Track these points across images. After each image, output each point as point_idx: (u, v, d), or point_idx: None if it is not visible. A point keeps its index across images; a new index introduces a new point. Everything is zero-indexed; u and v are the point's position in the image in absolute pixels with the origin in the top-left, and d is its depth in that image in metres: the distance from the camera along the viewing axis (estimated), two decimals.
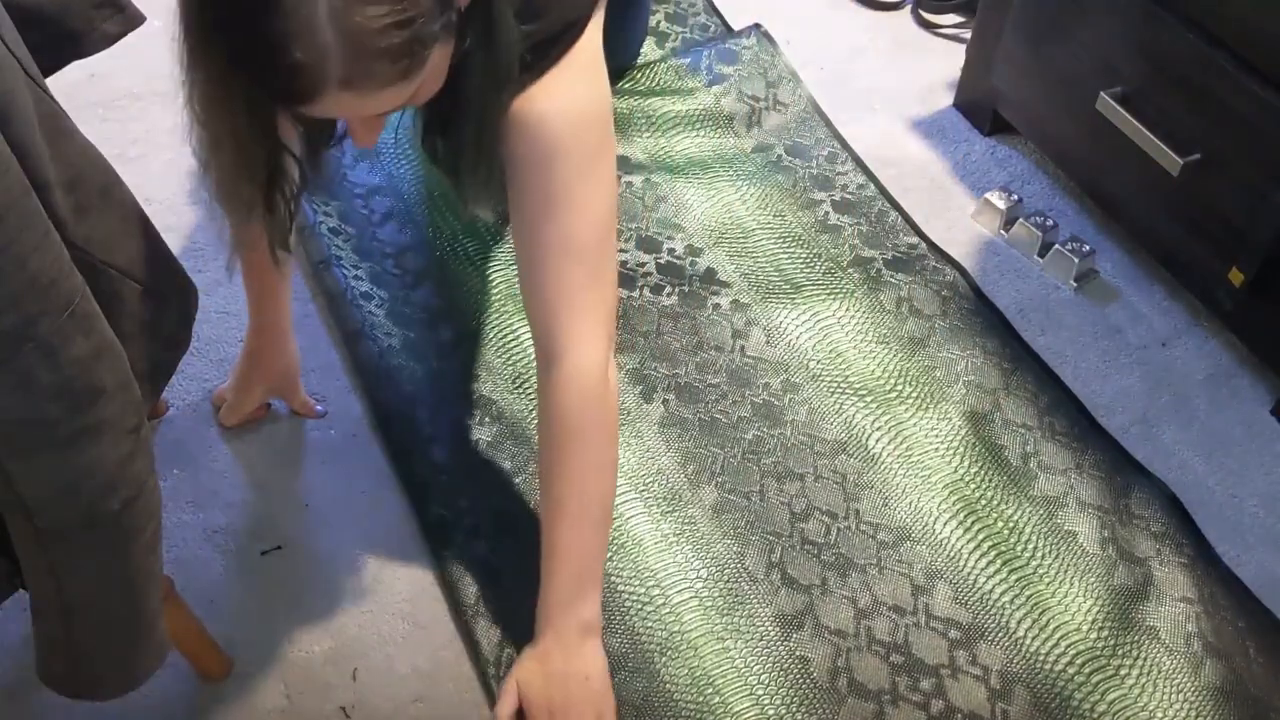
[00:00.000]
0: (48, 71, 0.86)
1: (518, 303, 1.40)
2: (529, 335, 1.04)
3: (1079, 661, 1.13)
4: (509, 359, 1.36)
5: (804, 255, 1.51)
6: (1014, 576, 1.20)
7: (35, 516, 0.75)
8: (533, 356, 1.05)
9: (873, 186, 1.62)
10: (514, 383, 1.34)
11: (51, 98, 0.77)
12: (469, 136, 0.91)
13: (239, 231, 1.10)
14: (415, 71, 0.77)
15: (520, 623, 1.11)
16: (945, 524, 1.24)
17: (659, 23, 1.84)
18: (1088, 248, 1.51)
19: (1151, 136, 1.35)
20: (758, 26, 1.80)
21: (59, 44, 0.90)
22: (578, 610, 1.03)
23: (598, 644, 1.05)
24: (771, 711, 1.09)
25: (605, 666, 1.05)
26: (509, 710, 1.03)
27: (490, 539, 1.20)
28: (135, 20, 0.95)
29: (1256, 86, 1.23)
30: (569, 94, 0.93)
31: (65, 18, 0.90)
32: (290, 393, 1.31)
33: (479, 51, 0.85)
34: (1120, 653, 1.14)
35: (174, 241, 0.95)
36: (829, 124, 1.70)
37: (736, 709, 1.09)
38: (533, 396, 1.31)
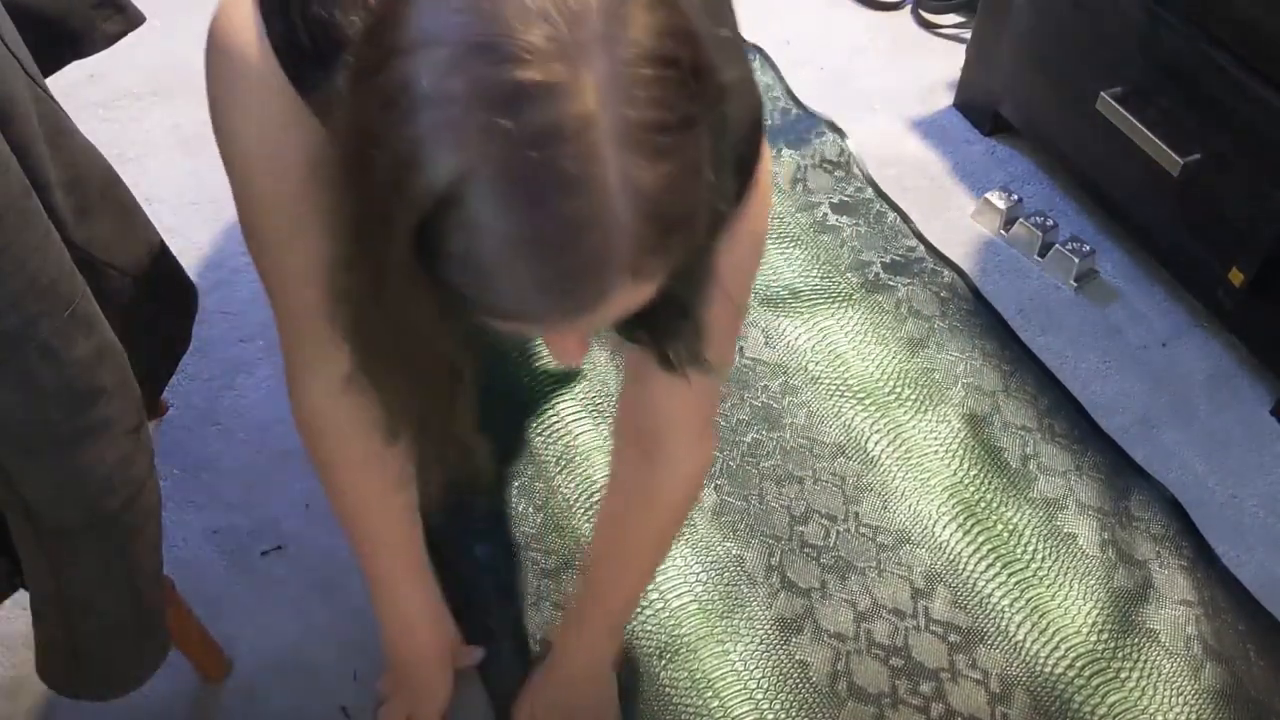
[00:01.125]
0: (48, 71, 0.86)
1: None
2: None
3: (1079, 664, 1.13)
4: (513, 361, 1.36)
5: (802, 257, 1.51)
6: (1013, 580, 1.19)
7: (36, 516, 0.75)
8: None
9: (871, 189, 1.62)
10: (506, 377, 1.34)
11: (51, 98, 0.77)
12: (688, 306, 0.69)
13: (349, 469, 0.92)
14: (695, 239, 0.57)
15: (518, 621, 1.11)
16: (944, 527, 1.24)
17: None
18: (1088, 248, 1.51)
19: (1151, 136, 1.35)
20: (759, 50, 1.81)
21: (59, 44, 0.90)
22: (608, 648, 1.05)
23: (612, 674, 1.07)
24: (770, 715, 1.09)
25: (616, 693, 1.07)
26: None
27: (488, 541, 1.20)
28: (135, 20, 0.95)
29: (1256, 86, 1.23)
30: (763, 208, 0.78)
31: (65, 18, 0.90)
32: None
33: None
34: (1120, 655, 1.14)
35: (174, 241, 0.94)
36: (834, 126, 1.70)
37: (736, 712, 1.09)
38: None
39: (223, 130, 0.73)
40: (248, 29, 0.67)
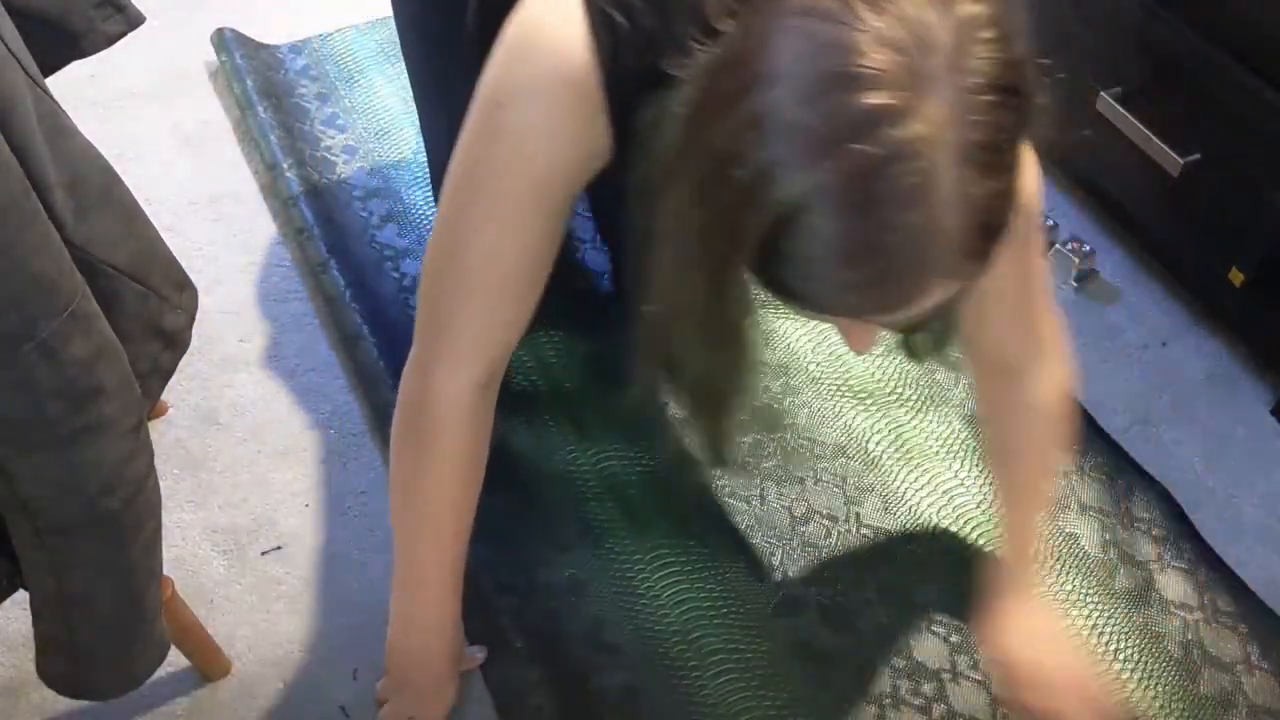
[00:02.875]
0: (48, 71, 0.86)
1: None
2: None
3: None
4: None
5: None
6: None
7: (35, 515, 0.75)
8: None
9: None
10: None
11: (51, 98, 0.77)
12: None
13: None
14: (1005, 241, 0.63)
15: (515, 618, 1.11)
16: (946, 528, 1.23)
17: None
18: (1088, 248, 1.51)
19: (1151, 136, 1.35)
20: None
21: (59, 44, 0.90)
22: (1031, 559, 1.07)
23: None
24: (774, 714, 1.09)
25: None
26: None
27: (488, 540, 1.20)
28: (135, 20, 0.95)
29: (1256, 86, 1.22)
30: (1033, 163, 0.81)
31: (65, 18, 0.90)
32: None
33: None
34: (1121, 657, 1.14)
35: (174, 241, 0.94)
36: None
37: (736, 713, 1.09)
38: (523, 398, 1.31)
39: (510, 119, 0.76)
40: (573, 35, 0.72)
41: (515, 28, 0.75)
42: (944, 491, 1.27)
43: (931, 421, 1.33)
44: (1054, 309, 0.98)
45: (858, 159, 0.55)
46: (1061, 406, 1.00)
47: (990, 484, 1.27)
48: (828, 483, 1.27)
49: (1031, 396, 0.99)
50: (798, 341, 1.41)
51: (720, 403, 0.85)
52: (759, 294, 0.67)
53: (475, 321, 0.88)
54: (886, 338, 0.82)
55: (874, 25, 0.55)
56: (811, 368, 1.38)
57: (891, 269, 0.58)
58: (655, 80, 0.67)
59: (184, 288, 0.93)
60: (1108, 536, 1.24)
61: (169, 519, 1.22)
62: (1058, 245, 1.52)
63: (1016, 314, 0.94)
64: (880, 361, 1.39)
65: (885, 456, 1.30)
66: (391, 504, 0.99)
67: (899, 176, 0.55)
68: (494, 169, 0.79)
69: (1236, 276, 1.33)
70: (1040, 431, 1.02)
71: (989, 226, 0.59)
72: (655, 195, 0.66)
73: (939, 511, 1.25)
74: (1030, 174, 0.77)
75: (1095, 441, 1.33)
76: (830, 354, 1.40)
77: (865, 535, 1.23)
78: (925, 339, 0.80)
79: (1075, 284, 1.52)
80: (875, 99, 0.54)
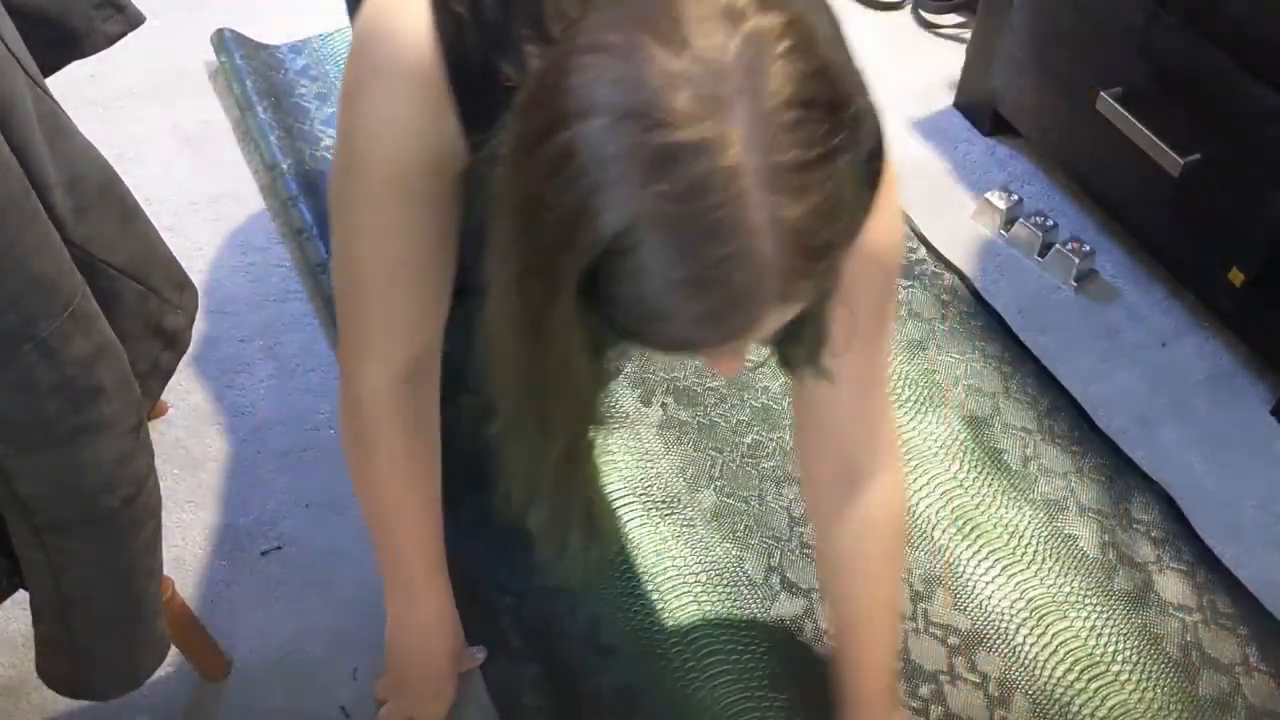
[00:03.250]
0: (48, 71, 0.86)
1: None
2: None
3: (1078, 668, 1.13)
4: None
5: None
6: (1013, 582, 1.19)
7: (35, 515, 0.75)
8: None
9: None
10: None
11: (51, 98, 0.77)
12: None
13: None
14: (841, 258, 0.61)
15: (514, 618, 1.11)
16: (944, 529, 1.24)
17: None
18: (1088, 248, 1.51)
19: (1151, 136, 1.35)
20: None
21: (59, 44, 0.90)
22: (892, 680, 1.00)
23: None
24: (771, 715, 1.09)
25: None
26: None
27: (488, 540, 1.20)
28: (135, 20, 0.95)
29: (1256, 86, 1.23)
30: (895, 211, 0.81)
31: (65, 18, 0.90)
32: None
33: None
34: (1120, 659, 1.14)
35: (174, 241, 0.94)
36: None
37: (735, 714, 1.09)
38: None
39: (360, 110, 0.75)
40: (415, 24, 0.70)
41: (362, 18, 0.73)
42: (943, 492, 1.27)
43: (930, 422, 1.33)
44: (891, 407, 0.95)
45: (663, 198, 0.52)
46: (900, 519, 0.96)
47: (988, 486, 1.27)
48: None
49: (873, 508, 0.93)
50: None
51: (562, 483, 0.75)
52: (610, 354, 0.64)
53: (377, 317, 0.86)
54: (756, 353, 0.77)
55: (661, 57, 0.52)
56: None
57: (721, 301, 0.56)
58: (497, 82, 0.65)
59: (184, 288, 0.93)
60: (1107, 538, 1.24)
61: (169, 519, 1.22)
62: (1058, 245, 1.52)
63: (857, 408, 0.89)
64: None
65: None
66: (361, 507, 0.99)
67: (707, 211, 0.53)
68: (356, 162, 0.77)
69: (1236, 276, 1.33)
70: (885, 548, 0.96)
71: (811, 248, 0.56)
72: (486, 243, 0.63)
73: (937, 512, 1.25)
74: (885, 222, 0.75)
75: (1095, 442, 1.33)
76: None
77: None
78: (798, 349, 0.74)
79: (1075, 284, 1.52)
80: (671, 135, 0.52)
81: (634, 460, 1.28)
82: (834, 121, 0.55)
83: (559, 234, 0.55)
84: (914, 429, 1.32)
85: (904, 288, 1.48)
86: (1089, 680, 1.12)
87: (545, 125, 0.55)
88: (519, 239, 0.59)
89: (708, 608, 1.16)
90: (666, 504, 1.24)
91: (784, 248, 0.55)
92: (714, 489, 1.26)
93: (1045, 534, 1.23)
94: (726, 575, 1.19)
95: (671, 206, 0.53)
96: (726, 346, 0.60)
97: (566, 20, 0.60)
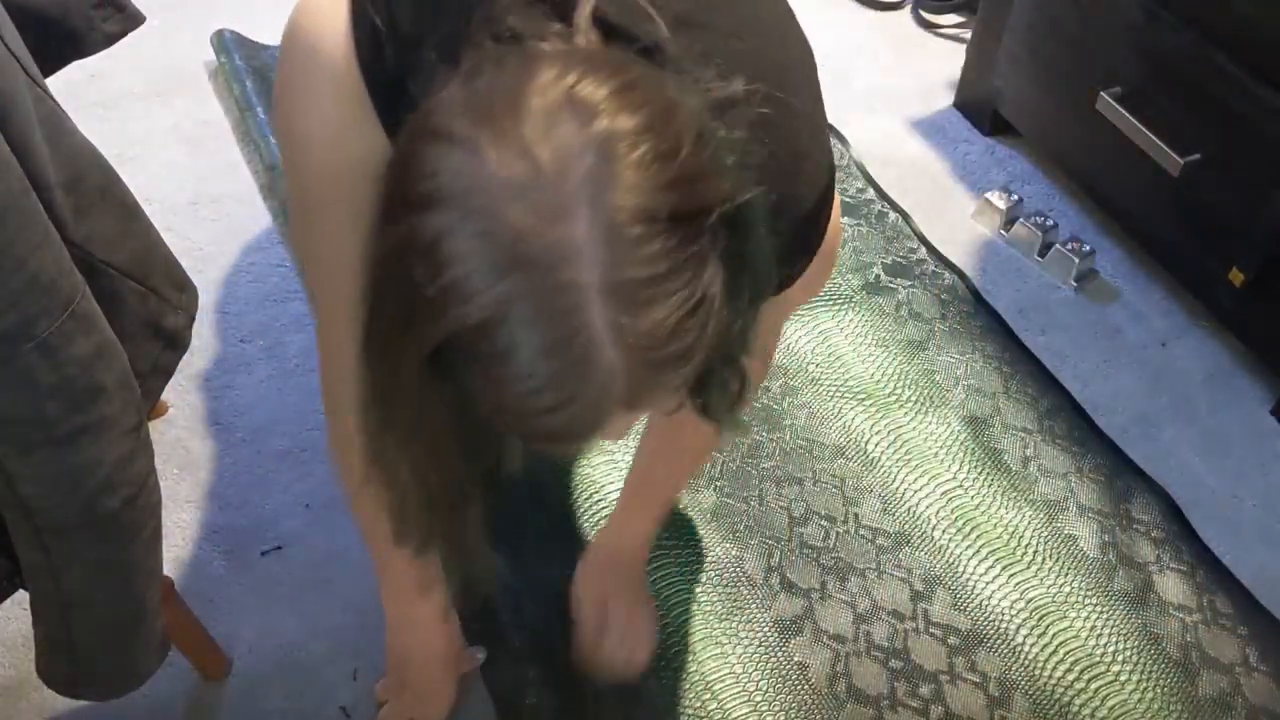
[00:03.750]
0: (48, 71, 0.86)
1: None
2: None
3: (1078, 668, 1.13)
4: None
5: None
6: (1013, 582, 1.19)
7: (35, 515, 0.75)
8: None
9: (872, 190, 1.62)
10: None
11: (51, 98, 0.77)
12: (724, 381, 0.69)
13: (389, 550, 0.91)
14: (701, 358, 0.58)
15: (514, 617, 1.11)
16: (944, 529, 1.24)
17: None
18: (1088, 248, 1.51)
19: (1151, 136, 1.35)
20: None
21: (59, 44, 0.90)
22: (643, 538, 1.11)
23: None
24: (769, 717, 1.09)
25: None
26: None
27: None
28: (135, 20, 0.95)
29: (1256, 86, 1.23)
30: (824, 268, 0.79)
31: (65, 18, 0.90)
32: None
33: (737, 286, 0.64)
34: (1120, 659, 1.14)
35: (174, 241, 0.94)
36: (833, 129, 1.70)
37: (734, 714, 1.09)
38: None
39: (290, 119, 0.72)
40: (334, 28, 0.67)
41: (287, 24, 0.70)
42: (943, 493, 1.27)
43: (930, 423, 1.33)
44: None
45: (505, 300, 0.50)
46: (705, 452, 1.12)
47: (988, 486, 1.27)
48: (826, 484, 1.27)
49: (688, 440, 1.01)
50: (797, 342, 1.41)
51: (439, 534, 0.73)
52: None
53: (335, 360, 0.79)
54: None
55: (498, 160, 0.50)
56: (811, 369, 1.38)
57: (562, 405, 0.53)
58: (410, 100, 0.60)
59: (184, 288, 0.93)
60: (1107, 538, 1.24)
61: (169, 519, 1.22)
62: (1058, 245, 1.52)
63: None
64: (880, 363, 1.39)
65: (884, 458, 1.30)
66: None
67: (548, 319, 0.51)
68: (292, 176, 0.74)
69: (1236, 276, 1.33)
70: (685, 462, 1.07)
71: (658, 360, 0.53)
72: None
73: (937, 513, 1.25)
74: (769, 327, 0.74)
75: (1094, 442, 1.33)
76: (830, 355, 1.40)
77: (864, 536, 1.23)
78: (718, 399, 0.70)
79: (1075, 284, 1.52)
80: (512, 243, 0.49)
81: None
82: (689, 231, 0.52)
83: (412, 310, 0.53)
84: (914, 429, 1.32)
85: (904, 288, 1.48)
86: (1089, 680, 1.12)
87: (401, 201, 0.53)
88: (377, 290, 0.56)
89: (707, 608, 1.16)
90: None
91: (629, 359, 0.52)
92: (714, 489, 1.26)
93: (1045, 534, 1.23)
94: (726, 575, 1.19)
95: (513, 308, 0.51)
96: (573, 444, 0.58)
97: (476, 55, 0.56)
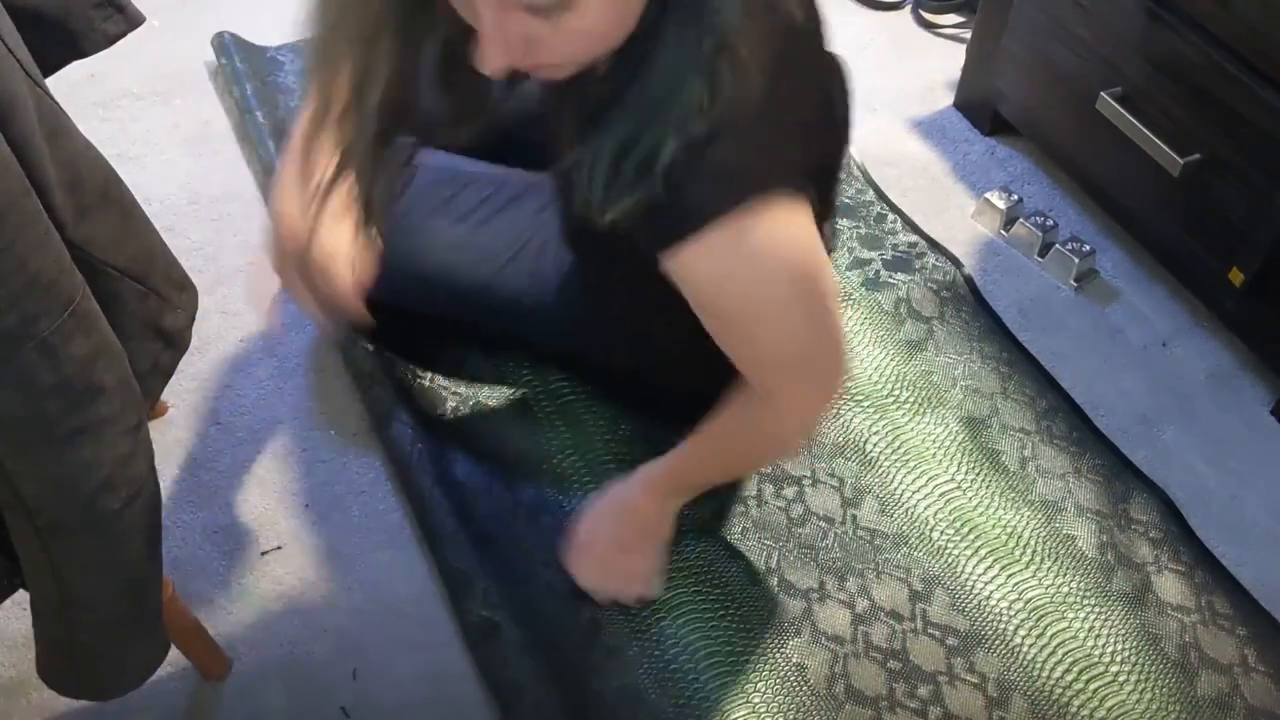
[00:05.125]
0: (48, 71, 0.86)
1: None
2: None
3: (1076, 669, 1.13)
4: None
5: None
6: (1011, 583, 1.19)
7: (35, 515, 0.75)
8: None
9: (871, 192, 1.62)
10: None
11: (51, 98, 0.77)
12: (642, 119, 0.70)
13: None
14: None
15: (514, 617, 1.11)
16: (943, 530, 1.24)
17: None
18: (1088, 248, 1.51)
19: (1151, 136, 1.35)
20: None
21: (59, 44, 0.90)
22: (674, 499, 1.12)
23: (672, 518, 1.14)
24: (768, 718, 1.09)
25: (669, 534, 1.15)
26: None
27: (488, 537, 1.20)
28: (135, 20, 0.95)
29: (1256, 86, 1.23)
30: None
31: (65, 18, 0.90)
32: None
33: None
34: (1118, 660, 1.14)
35: (174, 241, 0.94)
36: None
37: (732, 716, 1.09)
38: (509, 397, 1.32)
39: None
40: None
41: None
42: (941, 494, 1.27)
43: (929, 423, 1.33)
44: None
45: None
46: (789, 436, 1.00)
47: (986, 486, 1.28)
48: (825, 484, 1.27)
49: (772, 417, 0.96)
50: None
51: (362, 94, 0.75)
52: None
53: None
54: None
55: None
56: None
57: None
58: None
59: (184, 288, 0.93)
60: (1105, 538, 1.24)
61: (169, 520, 1.22)
62: (1058, 245, 1.52)
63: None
64: (878, 363, 1.39)
65: (883, 458, 1.30)
66: None
67: None
68: None
69: (1236, 276, 1.33)
70: (758, 431, 0.99)
71: None
72: None
73: (936, 514, 1.25)
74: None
75: (1093, 442, 1.33)
76: None
77: (862, 537, 1.23)
78: (583, 184, 0.73)
79: (1075, 284, 1.52)
80: None
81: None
82: None
83: None
84: (912, 429, 1.32)
85: (904, 283, 1.48)
86: (1087, 681, 1.12)
87: None
88: None
89: (705, 609, 1.16)
90: None
91: None
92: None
93: (1043, 535, 1.23)
94: (724, 576, 1.19)
95: None
96: None
97: None
